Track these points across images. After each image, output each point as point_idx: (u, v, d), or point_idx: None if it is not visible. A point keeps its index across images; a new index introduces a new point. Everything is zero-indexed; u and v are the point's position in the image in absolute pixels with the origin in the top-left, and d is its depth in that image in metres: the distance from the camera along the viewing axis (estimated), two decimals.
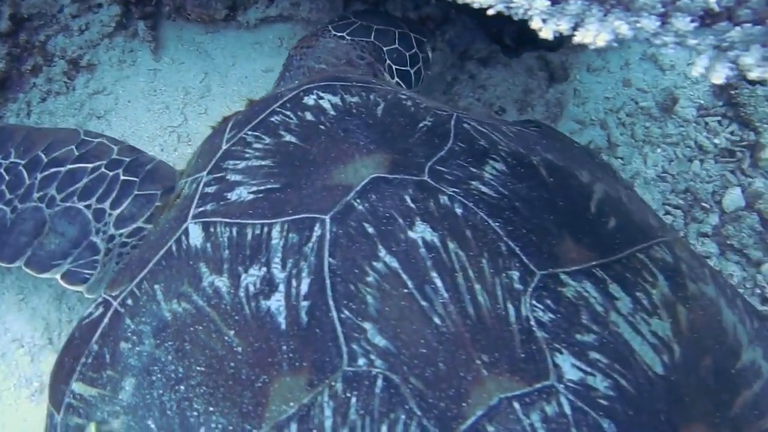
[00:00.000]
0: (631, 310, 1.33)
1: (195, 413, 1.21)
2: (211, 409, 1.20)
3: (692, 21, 0.88)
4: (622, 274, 1.39)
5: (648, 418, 1.23)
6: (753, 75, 0.84)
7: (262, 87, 2.79)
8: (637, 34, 0.88)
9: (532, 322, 1.24)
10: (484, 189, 1.43)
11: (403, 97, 1.71)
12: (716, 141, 2.44)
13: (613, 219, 1.50)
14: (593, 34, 0.89)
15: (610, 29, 0.89)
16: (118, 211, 1.79)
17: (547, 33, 0.94)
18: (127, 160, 1.88)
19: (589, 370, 1.23)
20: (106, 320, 1.39)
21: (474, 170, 1.47)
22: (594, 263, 1.38)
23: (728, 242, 2.29)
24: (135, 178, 1.83)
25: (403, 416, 1.13)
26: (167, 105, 2.79)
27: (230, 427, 1.18)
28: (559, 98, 2.52)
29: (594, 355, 1.24)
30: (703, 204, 2.37)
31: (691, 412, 1.28)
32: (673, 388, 1.28)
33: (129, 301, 1.38)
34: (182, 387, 1.24)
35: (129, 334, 1.33)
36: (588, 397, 1.19)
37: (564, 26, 0.92)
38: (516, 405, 1.15)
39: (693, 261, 1.54)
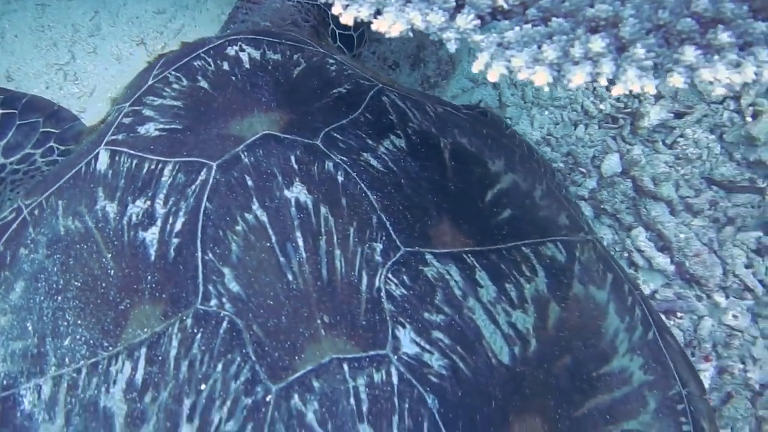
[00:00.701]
0: (494, 299, 1.38)
1: (65, 323, 1.31)
2: (79, 322, 1.29)
3: (475, 18, 0.89)
4: (496, 264, 1.44)
5: (478, 401, 1.28)
6: (521, 76, 0.86)
7: (152, 28, 2.69)
8: (428, 26, 0.88)
9: (383, 294, 1.29)
10: (373, 162, 1.47)
11: (330, 61, 1.72)
12: (602, 107, 2.48)
13: (509, 211, 1.54)
14: (389, 24, 0.89)
15: (405, 20, 0.89)
16: (3, 141, 1.85)
17: (348, 19, 0.93)
18: (1, 97, 1.91)
19: (427, 347, 1.27)
20: (14, 225, 1.47)
21: (370, 142, 1.51)
22: (467, 249, 1.42)
23: (602, 206, 2.37)
24: (14, 110, 1.87)
25: (238, 358, 1.21)
26: (55, 42, 2.67)
27: (91, 341, 1.27)
28: (452, 56, 2.52)
29: (437, 334, 1.29)
30: (581, 169, 2.43)
31: (529, 404, 1.33)
32: (516, 379, 1.34)
33: (36, 212, 1.46)
34: (59, 298, 1.33)
35: (28, 242, 1.42)
36: (419, 372, 1.24)
37: (364, 12, 0.92)
38: (345, 367, 1.21)
39: (594, 264, 1.59)
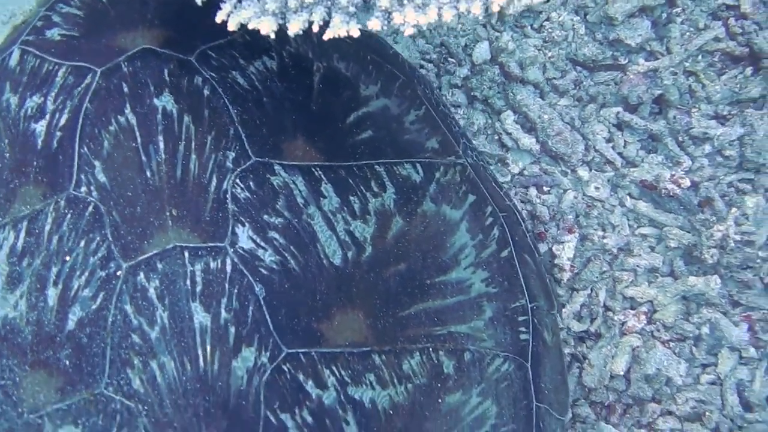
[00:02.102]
0: (335, 209, 1.57)
1: None
2: None
3: None
4: (344, 178, 1.62)
5: (303, 294, 1.48)
6: (250, 26, 1.04)
7: None
8: None
9: (228, 196, 1.49)
10: (240, 80, 1.64)
11: None
12: None
13: (369, 132, 1.72)
14: None
15: None
16: None
17: None
18: None
19: (262, 244, 1.47)
20: None
21: (242, 62, 1.67)
22: (316, 163, 1.60)
23: (473, 93, 2.47)
24: None
25: (98, 238, 1.44)
26: None
27: None
28: None
29: (273, 234, 1.49)
30: (452, 59, 2.52)
31: (353, 301, 1.52)
32: (345, 279, 1.53)
33: None
34: None
35: None
36: (251, 264, 1.45)
37: None
38: (186, 253, 1.43)
39: (456, 186, 1.77)
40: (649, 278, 2.22)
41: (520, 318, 1.76)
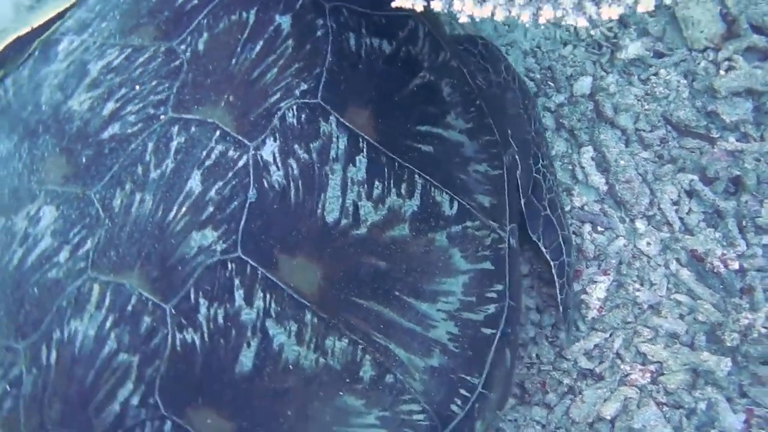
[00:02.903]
0: (356, 181, 1.70)
1: None
2: None
3: None
4: (381, 164, 1.74)
5: (283, 222, 1.63)
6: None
7: None
8: None
9: (279, 113, 1.68)
10: (352, 42, 1.81)
11: None
12: (592, 33, 2.65)
13: (431, 149, 1.83)
14: None
15: None
16: None
17: None
18: None
19: (279, 163, 1.64)
20: None
21: (363, 32, 1.83)
22: (367, 137, 1.73)
23: (562, 120, 2.58)
24: None
25: (167, 84, 1.71)
26: None
27: None
28: None
29: (292, 162, 1.66)
30: (551, 84, 2.63)
31: (322, 257, 1.63)
32: (326, 236, 1.66)
33: None
34: None
35: None
36: (260, 171, 1.63)
37: None
38: (217, 132, 1.65)
39: (476, 245, 1.84)
40: (668, 342, 2.27)
41: (462, 391, 1.78)
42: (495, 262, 1.89)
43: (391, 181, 1.74)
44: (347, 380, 1.63)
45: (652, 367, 2.25)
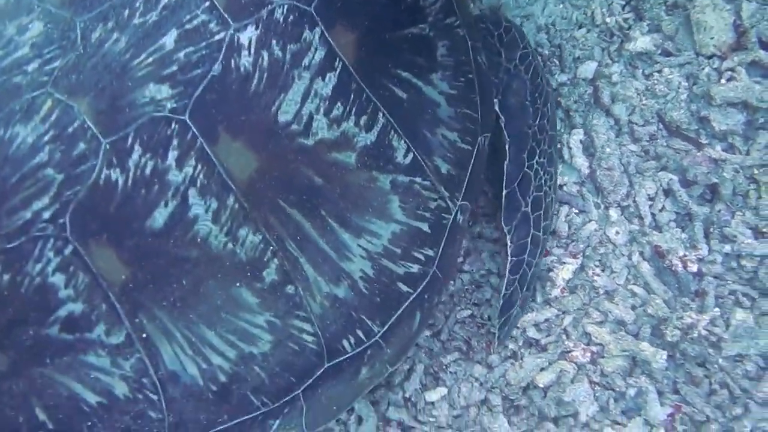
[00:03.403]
0: (320, 96, 1.75)
1: None
2: None
3: None
4: (349, 89, 1.77)
5: (236, 104, 1.68)
6: None
7: None
8: None
9: (268, 8, 1.73)
10: None
11: None
12: (608, 20, 2.68)
13: (403, 94, 1.88)
14: None
15: None
16: None
17: None
18: None
19: (252, 49, 1.70)
20: None
21: None
22: (343, 57, 1.76)
23: (559, 99, 2.63)
24: None
25: None
26: None
27: None
28: None
29: (264, 54, 1.71)
30: (556, 62, 2.68)
31: (263, 148, 1.69)
32: (272, 128, 1.71)
33: None
34: None
35: None
36: (231, 50, 1.68)
37: None
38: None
39: (416, 202, 1.90)
40: (614, 328, 2.36)
41: (359, 332, 1.85)
42: (433, 228, 1.94)
43: (353, 108, 1.78)
44: (248, 274, 1.70)
45: (594, 348, 2.34)
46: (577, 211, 2.52)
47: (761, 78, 2.44)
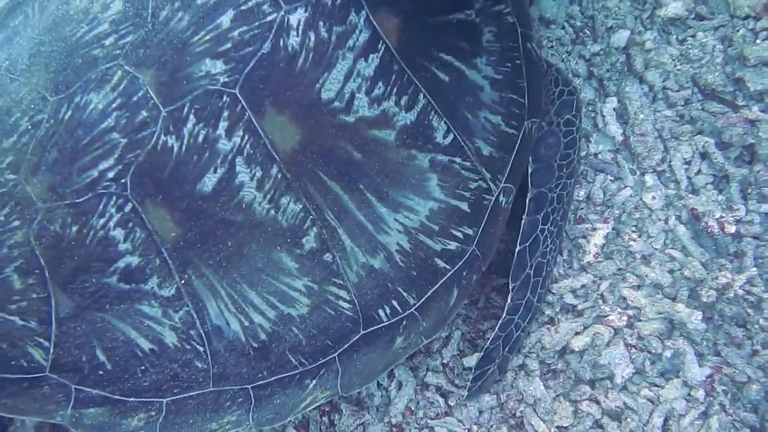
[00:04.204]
0: (363, 75, 1.80)
1: None
2: None
3: None
4: (389, 70, 1.83)
5: (283, 82, 1.76)
6: None
7: None
8: None
9: None
10: None
11: None
12: None
13: (446, 77, 1.93)
14: None
15: None
16: None
17: None
18: None
19: (300, 29, 1.76)
20: None
21: None
22: (386, 41, 1.82)
23: (592, 69, 2.66)
24: None
25: None
26: None
27: None
28: None
29: (310, 34, 1.78)
30: (589, 33, 2.70)
31: (306, 125, 1.77)
32: (314, 105, 1.79)
33: None
34: None
35: None
36: (281, 29, 1.75)
37: None
38: None
39: (457, 182, 1.96)
40: (651, 292, 2.36)
41: (395, 303, 1.93)
42: (473, 207, 1.99)
43: (394, 89, 1.86)
44: (288, 240, 1.82)
45: (630, 312, 2.36)
46: (612, 178, 2.54)
47: None
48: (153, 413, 1.82)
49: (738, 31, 2.47)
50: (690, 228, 2.40)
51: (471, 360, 2.38)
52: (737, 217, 2.34)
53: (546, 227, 2.22)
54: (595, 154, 2.56)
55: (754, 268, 2.26)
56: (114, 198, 1.74)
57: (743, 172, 2.38)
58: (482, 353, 2.21)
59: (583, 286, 2.43)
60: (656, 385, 2.27)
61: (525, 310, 2.23)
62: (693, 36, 2.54)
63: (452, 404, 2.34)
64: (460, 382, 2.37)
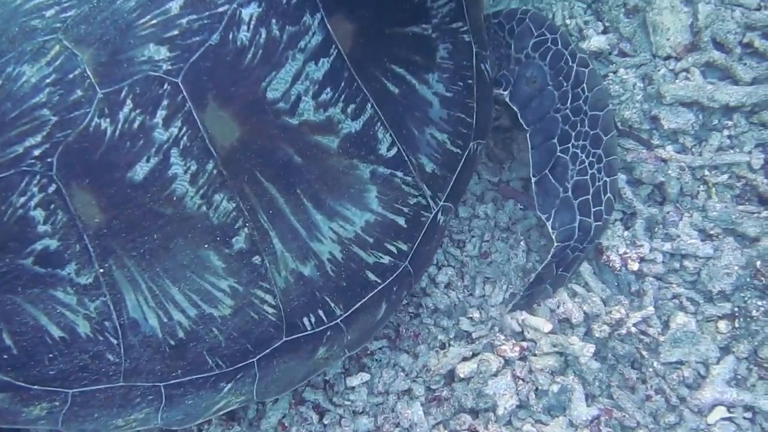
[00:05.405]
0: (310, 79, 1.77)
1: None
2: None
3: None
4: (341, 77, 1.81)
5: (226, 77, 1.73)
6: None
7: None
8: None
9: None
10: None
11: None
12: (568, 22, 2.62)
13: (395, 89, 1.92)
14: None
15: None
16: None
17: None
18: None
19: (251, 25, 1.72)
20: None
21: None
22: (339, 45, 1.80)
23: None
24: None
25: None
26: None
27: None
28: None
29: (262, 30, 1.74)
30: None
31: (245, 121, 1.73)
32: (256, 103, 1.75)
33: None
34: None
35: None
36: (232, 21, 1.71)
37: None
38: None
39: (395, 193, 1.93)
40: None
41: (320, 313, 1.88)
42: (410, 223, 1.95)
43: (342, 96, 1.82)
44: (218, 239, 1.75)
45: (525, 344, 2.25)
46: (521, 206, 2.46)
47: (715, 79, 2.38)
48: (57, 404, 1.73)
49: (659, 70, 2.45)
50: (593, 263, 2.32)
51: (354, 380, 2.25)
52: (641, 254, 2.26)
53: (569, 145, 2.14)
54: (508, 182, 2.50)
55: (652, 308, 2.17)
56: (38, 177, 1.65)
57: (653, 211, 2.32)
58: (532, 278, 2.17)
59: (480, 313, 2.33)
60: (541, 422, 2.15)
61: (581, 233, 2.15)
62: (615, 72, 2.52)
63: (327, 422, 2.20)
64: (339, 400, 2.24)
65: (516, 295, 2.28)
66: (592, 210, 2.15)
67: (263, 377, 1.86)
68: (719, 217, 2.26)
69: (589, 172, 2.17)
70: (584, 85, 2.19)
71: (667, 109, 2.37)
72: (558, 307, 2.23)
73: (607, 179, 2.18)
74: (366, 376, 2.26)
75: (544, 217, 2.17)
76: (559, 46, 2.21)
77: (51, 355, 1.70)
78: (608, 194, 2.18)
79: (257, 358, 1.84)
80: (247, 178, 1.74)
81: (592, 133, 2.18)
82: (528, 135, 2.18)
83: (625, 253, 2.27)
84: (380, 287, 1.94)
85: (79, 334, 1.71)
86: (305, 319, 1.87)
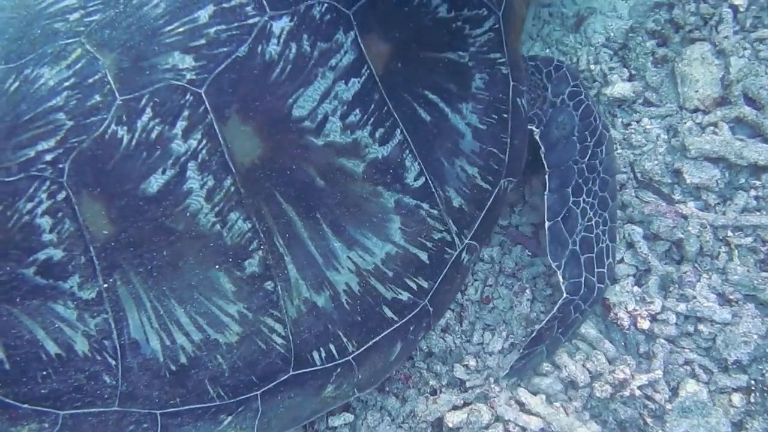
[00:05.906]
0: (341, 98, 1.71)
1: None
2: None
3: None
4: (371, 99, 1.73)
5: (255, 90, 1.65)
6: None
7: None
8: None
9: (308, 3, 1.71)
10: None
11: None
12: (593, 67, 2.56)
13: (428, 117, 1.85)
14: None
15: None
16: None
17: None
18: None
19: (281, 39, 1.66)
20: None
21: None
22: (371, 64, 1.74)
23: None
24: None
25: None
26: None
27: None
28: None
29: (292, 44, 1.68)
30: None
31: (266, 139, 1.66)
32: (282, 122, 1.67)
33: None
34: None
35: None
36: (262, 35, 1.65)
37: None
38: None
39: (419, 225, 1.84)
40: (550, 383, 2.12)
41: (331, 347, 1.78)
42: (433, 259, 1.84)
43: (371, 119, 1.74)
44: (230, 260, 1.64)
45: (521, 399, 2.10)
46: (530, 253, 2.34)
47: (745, 136, 2.26)
48: (46, 425, 1.61)
49: (685, 123, 2.33)
50: (599, 319, 2.17)
51: (337, 420, 2.11)
52: (652, 312, 2.11)
53: (581, 199, 2.05)
54: (517, 226, 2.38)
55: (660, 371, 2.01)
56: (47, 183, 1.57)
57: (669, 269, 2.18)
58: (534, 333, 2.01)
59: (477, 362, 2.19)
60: None
61: (587, 290, 2.02)
62: (638, 121, 2.41)
63: None
64: None
65: (516, 345, 2.13)
66: (596, 270, 2.04)
67: (266, 412, 1.73)
68: (740, 281, 2.10)
69: (595, 231, 2.07)
70: (603, 147, 2.11)
71: (692, 163, 2.25)
72: (561, 370, 2.08)
73: (610, 244, 2.08)
74: (350, 417, 2.13)
75: (555, 265, 2.05)
76: (590, 103, 2.14)
77: (44, 373, 1.59)
78: (609, 259, 2.07)
79: (261, 391, 1.72)
80: (265, 197, 1.64)
81: (600, 194, 2.09)
82: (546, 176, 2.08)
83: (635, 310, 2.12)
84: (396, 325, 1.82)
85: (76, 351, 1.60)
86: (315, 353, 1.74)
